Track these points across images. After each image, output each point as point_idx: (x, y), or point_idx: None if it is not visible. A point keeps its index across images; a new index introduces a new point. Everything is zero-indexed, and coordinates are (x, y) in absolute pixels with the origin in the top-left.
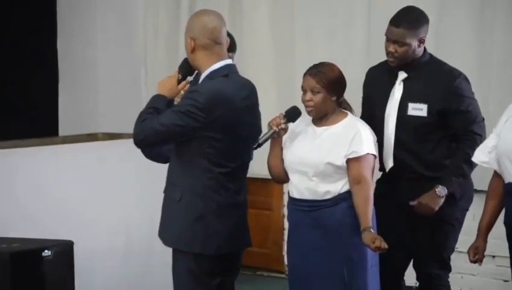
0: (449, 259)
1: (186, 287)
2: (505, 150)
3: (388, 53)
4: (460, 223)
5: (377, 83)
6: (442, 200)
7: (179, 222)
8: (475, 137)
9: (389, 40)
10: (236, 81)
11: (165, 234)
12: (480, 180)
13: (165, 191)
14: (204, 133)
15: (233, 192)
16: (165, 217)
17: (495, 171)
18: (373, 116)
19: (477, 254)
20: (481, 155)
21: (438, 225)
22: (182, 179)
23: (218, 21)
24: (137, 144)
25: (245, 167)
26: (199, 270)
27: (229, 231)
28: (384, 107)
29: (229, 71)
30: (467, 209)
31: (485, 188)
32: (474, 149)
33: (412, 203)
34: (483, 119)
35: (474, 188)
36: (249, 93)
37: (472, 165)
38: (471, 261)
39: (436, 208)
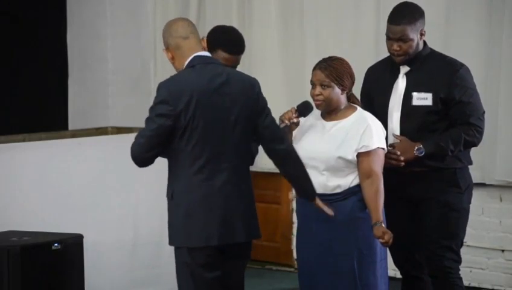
0: (459, 250)
1: (183, 279)
2: None
3: (393, 51)
4: (467, 213)
5: (379, 80)
6: (412, 158)
7: (172, 218)
8: (474, 128)
9: (392, 39)
10: (205, 70)
11: (168, 233)
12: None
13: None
14: (180, 125)
15: (220, 182)
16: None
17: None
18: (375, 112)
19: None
20: None
21: (445, 213)
22: (170, 178)
23: (179, 20)
24: (136, 163)
25: (231, 156)
26: (194, 263)
27: (218, 222)
28: (387, 101)
29: (197, 62)
30: (470, 202)
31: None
32: (470, 136)
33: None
34: (484, 112)
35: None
36: (224, 81)
37: (457, 148)
38: None
39: (402, 158)
